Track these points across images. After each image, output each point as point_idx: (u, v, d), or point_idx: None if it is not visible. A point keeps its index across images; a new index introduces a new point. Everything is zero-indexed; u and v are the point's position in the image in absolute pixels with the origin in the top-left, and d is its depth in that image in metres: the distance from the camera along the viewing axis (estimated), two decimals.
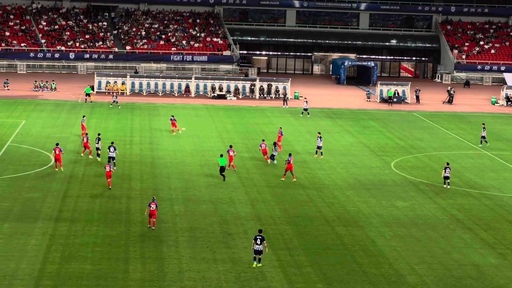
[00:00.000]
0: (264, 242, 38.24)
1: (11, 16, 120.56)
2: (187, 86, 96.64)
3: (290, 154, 56.40)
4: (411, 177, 57.74)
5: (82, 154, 59.64)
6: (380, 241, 42.83)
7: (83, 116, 69.61)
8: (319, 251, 40.75)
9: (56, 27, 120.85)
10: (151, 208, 43.14)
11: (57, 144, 56.16)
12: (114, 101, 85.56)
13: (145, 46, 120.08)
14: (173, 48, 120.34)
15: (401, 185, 55.47)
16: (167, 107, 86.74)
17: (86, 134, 60.99)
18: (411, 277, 37.69)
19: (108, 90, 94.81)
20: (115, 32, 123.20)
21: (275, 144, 61.49)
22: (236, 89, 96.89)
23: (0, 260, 37.29)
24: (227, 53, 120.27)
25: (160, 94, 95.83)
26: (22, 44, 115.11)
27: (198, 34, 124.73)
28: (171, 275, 36.68)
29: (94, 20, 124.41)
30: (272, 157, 60.22)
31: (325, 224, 45.54)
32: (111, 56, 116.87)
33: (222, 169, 54.41)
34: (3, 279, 35.06)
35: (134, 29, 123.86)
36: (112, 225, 43.71)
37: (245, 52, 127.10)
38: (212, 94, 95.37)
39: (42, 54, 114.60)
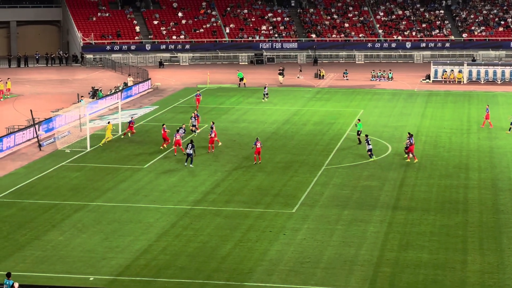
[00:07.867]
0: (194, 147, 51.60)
1: (350, 8, 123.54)
2: None
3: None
4: None
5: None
6: None
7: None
8: None
9: (393, 17, 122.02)
10: (257, 146, 52.80)
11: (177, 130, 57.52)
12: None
13: (483, 33, 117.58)
14: None
15: None
16: (506, 95, 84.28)
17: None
18: None
19: (444, 78, 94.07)
20: (452, 20, 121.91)
21: None
22: None
23: (340, 246, 38.48)
24: None
25: (499, 82, 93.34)
26: (360, 35, 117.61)
27: None
28: None
29: (431, 8, 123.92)
30: None
31: None
32: (447, 45, 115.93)
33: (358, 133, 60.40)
34: (344, 264, 36.13)
35: (471, 16, 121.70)
36: (449, 214, 43.37)
37: None
38: None
39: (379, 44, 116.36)
